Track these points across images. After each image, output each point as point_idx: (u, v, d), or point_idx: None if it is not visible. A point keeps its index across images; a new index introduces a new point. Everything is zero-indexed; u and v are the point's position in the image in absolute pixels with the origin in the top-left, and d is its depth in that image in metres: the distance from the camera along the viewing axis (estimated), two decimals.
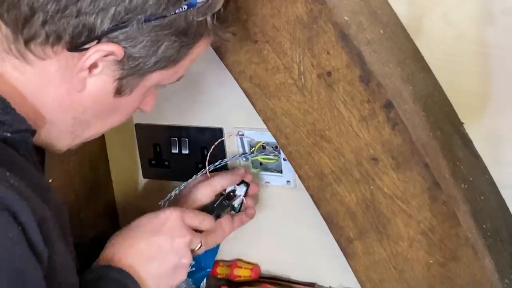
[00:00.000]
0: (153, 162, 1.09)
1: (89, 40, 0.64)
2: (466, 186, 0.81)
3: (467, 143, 0.87)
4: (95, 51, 0.65)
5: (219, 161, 1.01)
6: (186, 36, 0.68)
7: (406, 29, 0.85)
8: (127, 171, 1.13)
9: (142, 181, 1.13)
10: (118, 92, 0.70)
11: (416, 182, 0.76)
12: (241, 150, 1.02)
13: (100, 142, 1.12)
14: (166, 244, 0.81)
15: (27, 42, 0.64)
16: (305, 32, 0.75)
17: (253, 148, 1.01)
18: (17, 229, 0.56)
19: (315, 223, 0.93)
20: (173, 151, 1.07)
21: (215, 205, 0.92)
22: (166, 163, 1.09)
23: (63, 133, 0.72)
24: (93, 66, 0.66)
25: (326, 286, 1.05)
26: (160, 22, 0.65)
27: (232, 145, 1.02)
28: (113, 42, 0.65)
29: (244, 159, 1.02)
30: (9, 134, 0.64)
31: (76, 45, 0.64)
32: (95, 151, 1.11)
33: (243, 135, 1.01)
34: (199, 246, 0.85)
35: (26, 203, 0.58)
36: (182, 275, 0.83)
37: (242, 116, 0.98)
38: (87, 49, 0.64)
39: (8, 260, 0.56)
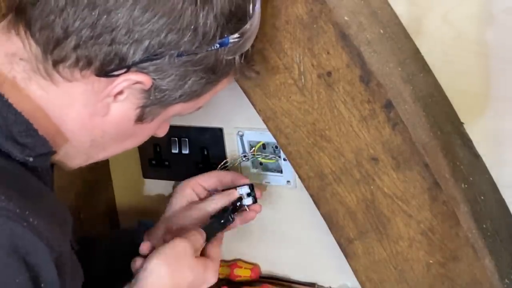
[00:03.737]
0: (153, 162, 1.09)
1: (119, 68, 0.64)
2: (466, 186, 0.81)
3: (467, 143, 0.87)
4: (124, 80, 0.65)
5: (224, 161, 1.01)
6: (214, 73, 0.69)
7: (406, 29, 0.85)
8: (127, 171, 1.13)
9: (142, 181, 1.13)
10: (140, 119, 0.70)
11: (416, 182, 0.76)
12: (241, 150, 1.02)
13: None
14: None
15: (56, 64, 0.64)
16: (305, 32, 0.75)
17: (253, 148, 1.01)
18: (25, 274, 0.56)
19: (315, 223, 0.93)
20: (173, 151, 1.07)
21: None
22: (166, 163, 1.09)
23: (79, 154, 0.72)
24: (119, 93, 0.66)
25: (326, 286, 1.05)
26: (191, 58, 0.66)
27: (232, 145, 1.02)
28: (142, 72, 0.65)
29: (244, 159, 1.02)
30: (31, 159, 0.64)
31: (106, 72, 0.64)
32: None
33: (243, 135, 1.01)
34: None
35: (43, 244, 0.57)
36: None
37: (242, 116, 0.98)
38: (116, 75, 0.64)
39: None
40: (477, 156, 0.87)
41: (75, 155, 0.72)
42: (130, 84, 0.65)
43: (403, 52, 0.83)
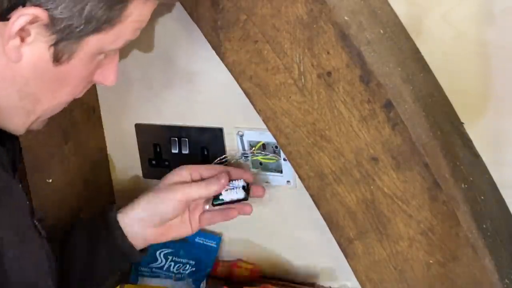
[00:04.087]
0: (153, 162, 1.09)
1: (13, 6, 0.64)
2: (466, 186, 0.81)
3: (467, 143, 0.87)
4: (19, 16, 0.65)
5: (224, 155, 1.01)
6: None
7: (406, 29, 0.85)
8: (127, 171, 1.13)
9: (142, 181, 1.13)
10: (56, 59, 0.69)
11: (416, 182, 0.76)
12: (241, 150, 1.02)
13: (100, 142, 1.12)
14: None
15: None
16: (305, 32, 0.75)
17: (253, 148, 1.01)
18: None
19: (315, 223, 0.93)
20: (173, 151, 1.07)
21: None
22: (166, 163, 1.09)
23: (13, 109, 0.72)
24: (25, 33, 0.66)
25: (326, 286, 1.05)
26: None
27: (232, 145, 1.02)
28: (34, 5, 0.65)
29: (244, 159, 1.02)
30: None
31: (1, 13, 0.64)
32: (95, 151, 1.11)
33: (243, 135, 1.01)
34: None
35: None
36: None
37: (242, 116, 0.98)
38: (9, 14, 0.65)
39: None
40: (477, 156, 0.87)
41: (10, 113, 0.72)
42: (29, 22, 0.65)
43: (403, 52, 0.83)
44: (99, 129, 1.11)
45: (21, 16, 0.65)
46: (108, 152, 1.14)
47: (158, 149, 1.08)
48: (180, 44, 0.99)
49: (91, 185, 1.10)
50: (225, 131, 1.02)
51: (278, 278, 1.08)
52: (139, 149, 1.10)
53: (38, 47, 0.68)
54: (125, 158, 1.12)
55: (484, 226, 0.81)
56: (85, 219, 0.97)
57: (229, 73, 0.82)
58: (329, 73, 0.76)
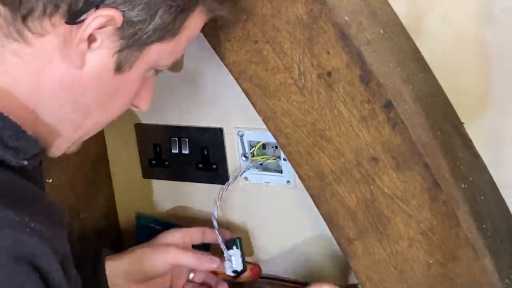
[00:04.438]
0: (153, 162, 1.09)
1: (87, 7, 0.61)
2: (466, 186, 0.81)
3: (467, 143, 0.87)
4: (94, 18, 0.62)
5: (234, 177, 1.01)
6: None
7: (406, 29, 0.85)
8: (127, 171, 1.13)
9: (142, 181, 1.13)
10: (118, 67, 0.67)
11: (416, 182, 0.76)
12: (241, 150, 1.02)
13: (100, 142, 1.12)
14: None
15: (25, 19, 0.61)
16: (305, 32, 0.75)
17: (253, 148, 1.01)
18: (35, 277, 0.55)
19: (315, 223, 0.93)
20: (173, 151, 1.07)
21: None
22: (166, 163, 1.09)
23: (62, 123, 0.69)
24: (92, 39, 0.64)
25: None
26: None
27: (232, 145, 1.02)
28: (110, 7, 0.62)
29: (244, 158, 1.02)
30: (26, 162, 0.62)
31: (75, 14, 0.61)
32: (95, 151, 1.11)
33: (243, 135, 1.01)
34: None
35: (47, 247, 0.56)
36: None
37: (242, 116, 0.98)
38: (85, 19, 0.62)
39: None
40: (477, 156, 0.87)
41: (58, 129, 0.69)
42: (102, 24, 0.62)
43: (403, 52, 0.83)
44: None
45: (97, 18, 0.62)
46: (108, 152, 1.14)
47: (158, 149, 1.08)
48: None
49: (91, 185, 1.10)
50: (225, 131, 1.02)
51: (278, 278, 1.08)
52: (139, 149, 1.10)
53: (103, 53, 0.65)
54: (125, 158, 1.13)
55: (484, 226, 0.81)
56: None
57: (229, 73, 0.82)
58: (329, 73, 0.76)
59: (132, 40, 0.65)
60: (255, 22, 0.77)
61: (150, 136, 1.08)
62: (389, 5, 0.84)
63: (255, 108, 0.82)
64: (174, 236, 0.96)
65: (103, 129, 1.11)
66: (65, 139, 0.71)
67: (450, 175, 0.78)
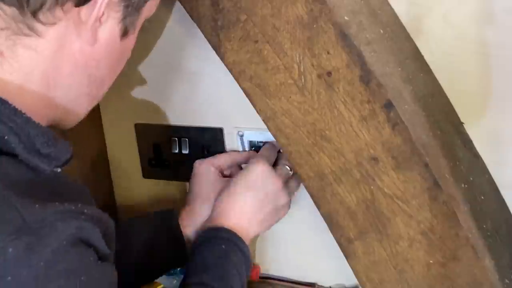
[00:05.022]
0: (153, 162, 1.09)
1: None
2: (466, 186, 0.81)
3: (467, 143, 0.87)
4: None
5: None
6: None
7: (406, 29, 0.85)
8: (127, 171, 1.13)
9: (142, 181, 1.13)
10: (124, 33, 0.70)
11: (416, 182, 0.76)
12: (241, 150, 1.02)
13: (100, 142, 1.12)
14: (261, 195, 0.89)
15: (35, 13, 0.62)
16: (305, 32, 0.75)
17: (253, 148, 1.01)
18: (93, 253, 0.60)
19: (315, 223, 0.93)
20: (173, 151, 1.07)
21: None
22: (166, 163, 1.09)
23: (80, 96, 0.71)
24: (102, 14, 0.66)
25: (326, 286, 1.05)
26: None
27: (232, 145, 1.02)
28: None
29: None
30: (59, 169, 0.64)
31: None
32: (95, 151, 1.11)
33: (243, 135, 1.01)
34: (290, 174, 0.93)
35: (97, 228, 0.61)
36: (283, 213, 0.93)
37: (242, 116, 0.98)
38: None
39: (100, 278, 0.61)
40: (477, 156, 0.87)
41: (76, 100, 0.71)
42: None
43: (403, 52, 0.83)
44: (99, 129, 1.12)
45: None
46: (108, 152, 1.14)
47: (158, 149, 1.08)
48: (180, 44, 0.99)
49: (91, 185, 1.10)
50: (225, 131, 1.02)
51: (278, 279, 1.08)
52: (139, 149, 1.10)
53: (110, 25, 0.67)
54: (125, 158, 1.12)
55: (484, 226, 0.81)
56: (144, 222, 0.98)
57: (229, 73, 0.82)
58: (329, 73, 0.76)
59: (135, 4, 0.68)
60: (255, 22, 0.77)
61: (150, 136, 1.08)
62: (389, 5, 0.84)
63: (255, 108, 0.82)
64: (210, 172, 0.97)
65: (103, 129, 1.12)
66: (83, 111, 0.74)
67: (450, 175, 0.78)
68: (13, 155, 0.61)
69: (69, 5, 0.63)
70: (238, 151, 1.01)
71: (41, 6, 0.62)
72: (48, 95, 0.67)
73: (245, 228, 0.88)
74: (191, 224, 0.94)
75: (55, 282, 0.55)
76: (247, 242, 0.87)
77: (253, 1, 0.76)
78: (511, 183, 0.88)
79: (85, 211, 0.61)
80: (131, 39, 0.72)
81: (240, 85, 0.82)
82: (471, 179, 0.83)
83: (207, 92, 1.00)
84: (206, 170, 0.97)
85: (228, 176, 0.99)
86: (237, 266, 0.84)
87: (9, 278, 0.53)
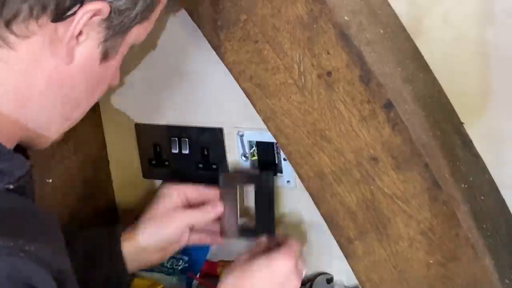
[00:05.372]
0: (153, 162, 1.09)
1: (74, 3, 0.59)
2: (466, 186, 0.81)
3: (467, 143, 0.87)
4: (83, 14, 0.60)
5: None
6: None
7: (406, 29, 0.85)
8: (127, 171, 1.13)
9: (142, 181, 1.13)
10: (104, 56, 0.66)
11: (416, 182, 0.76)
12: (241, 150, 1.02)
13: (100, 142, 1.12)
14: (275, 286, 0.83)
15: (8, 24, 0.59)
16: (305, 32, 0.75)
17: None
18: None
19: (315, 223, 0.93)
20: (173, 151, 1.07)
21: None
22: (166, 163, 1.09)
23: (52, 117, 0.67)
24: (79, 33, 0.62)
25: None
26: None
27: (232, 145, 1.02)
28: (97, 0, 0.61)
29: (244, 158, 1.02)
30: (11, 186, 0.60)
31: (63, 11, 0.59)
32: (95, 151, 1.11)
33: (243, 135, 1.01)
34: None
35: (43, 268, 0.56)
36: None
37: (242, 116, 0.98)
38: (73, 14, 0.60)
39: None
40: (477, 156, 0.87)
41: (48, 121, 0.67)
42: (90, 17, 0.61)
43: (403, 52, 0.83)
44: (99, 129, 1.12)
45: (86, 13, 0.60)
46: (108, 152, 1.14)
47: (158, 149, 1.08)
48: (180, 44, 0.99)
49: (91, 185, 1.10)
50: (225, 131, 1.02)
51: None
52: (139, 149, 1.10)
53: (89, 45, 0.64)
54: (125, 158, 1.12)
55: (484, 226, 0.81)
56: (86, 234, 0.95)
57: (229, 73, 0.82)
58: (329, 73, 0.76)
59: (118, 28, 0.65)
60: (255, 22, 0.77)
61: (150, 136, 1.08)
62: (389, 5, 0.84)
63: (255, 108, 0.82)
64: (172, 197, 0.95)
65: (103, 129, 1.12)
66: (54, 132, 0.70)
67: (450, 175, 0.78)
68: None
69: (44, 20, 0.60)
70: (207, 186, 0.98)
71: (15, 16, 0.59)
72: (18, 114, 0.64)
73: None
74: (132, 243, 0.91)
75: None
76: None
77: (253, 1, 0.76)
78: (511, 183, 0.88)
79: (27, 248, 0.55)
80: (113, 63, 0.68)
81: (240, 85, 0.82)
82: (471, 179, 0.83)
83: (207, 92, 1.00)
84: (169, 194, 0.95)
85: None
86: None
87: None
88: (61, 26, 0.61)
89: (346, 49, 0.74)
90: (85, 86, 0.68)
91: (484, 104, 0.85)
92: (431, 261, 0.79)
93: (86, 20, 0.61)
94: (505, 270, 0.82)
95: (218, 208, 0.95)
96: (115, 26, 0.64)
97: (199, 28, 0.82)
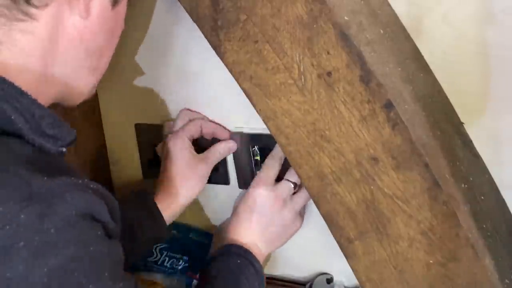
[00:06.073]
0: (153, 162, 1.09)
1: None
2: (466, 186, 0.81)
3: (467, 143, 0.87)
4: None
5: None
6: None
7: (406, 29, 0.85)
8: (127, 171, 1.13)
9: (142, 181, 1.13)
10: (114, 3, 0.71)
11: (416, 182, 0.76)
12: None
13: (100, 142, 1.12)
14: (264, 216, 0.93)
15: None
16: (305, 32, 0.75)
17: (254, 148, 1.01)
18: (100, 228, 0.61)
19: (315, 223, 0.93)
20: None
21: None
22: None
23: (79, 70, 0.72)
24: None
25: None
26: None
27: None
28: None
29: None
30: (64, 149, 0.66)
31: None
32: (95, 151, 1.11)
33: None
34: (292, 189, 0.95)
35: (103, 202, 0.62)
36: (294, 229, 0.96)
37: (242, 116, 0.98)
38: None
39: (109, 253, 0.61)
40: (477, 156, 0.87)
41: (77, 78, 0.73)
42: None
43: (403, 52, 0.83)
44: (99, 129, 1.12)
45: None
46: (108, 153, 1.14)
47: None
48: (180, 44, 0.99)
49: None
50: None
51: (278, 278, 1.08)
52: (139, 149, 1.10)
53: None
54: (125, 158, 1.12)
55: (484, 226, 0.81)
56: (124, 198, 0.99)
57: (229, 73, 0.82)
58: (329, 73, 0.76)
59: None
60: (255, 22, 0.77)
61: (150, 136, 1.08)
62: (389, 5, 0.84)
63: (255, 108, 0.82)
64: (187, 150, 0.97)
65: (103, 129, 1.12)
66: (85, 84, 0.75)
67: (450, 175, 0.78)
68: (19, 136, 0.62)
69: None
70: (204, 118, 1.01)
71: None
72: (47, 73, 0.68)
73: (255, 247, 0.91)
74: (171, 206, 0.95)
75: (65, 249, 0.56)
76: (259, 257, 0.91)
77: (253, 1, 0.76)
78: (511, 183, 0.88)
79: (92, 186, 0.62)
80: (122, 6, 0.74)
81: (240, 85, 0.82)
82: (471, 179, 0.83)
83: (207, 92, 1.00)
84: (181, 149, 0.97)
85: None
86: (250, 280, 0.87)
87: (22, 243, 0.54)
88: None
89: (346, 49, 0.74)
90: (103, 35, 0.72)
91: (484, 104, 0.85)
92: (431, 261, 0.79)
93: None
94: (505, 270, 0.82)
95: (231, 144, 0.99)
96: None
97: (199, 28, 0.82)
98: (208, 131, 1.00)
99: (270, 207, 0.93)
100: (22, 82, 0.64)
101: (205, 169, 0.98)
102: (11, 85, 0.63)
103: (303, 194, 0.96)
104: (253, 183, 0.95)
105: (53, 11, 0.66)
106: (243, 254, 0.89)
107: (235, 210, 0.96)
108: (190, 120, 1.00)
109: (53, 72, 0.69)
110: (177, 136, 0.98)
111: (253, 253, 0.90)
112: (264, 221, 0.93)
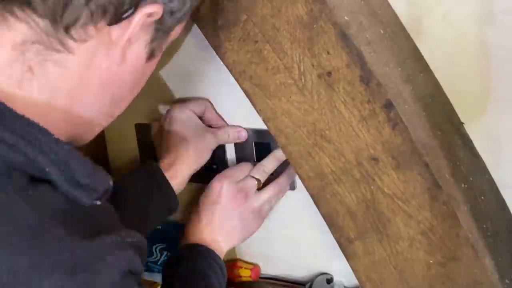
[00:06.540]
0: None
1: (131, 5, 0.60)
2: (466, 186, 0.81)
3: (467, 143, 0.87)
4: (140, 17, 0.62)
5: None
6: None
7: (406, 29, 0.85)
8: (127, 171, 1.13)
9: None
10: (151, 56, 0.68)
11: (416, 182, 0.76)
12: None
13: (100, 142, 1.12)
14: (225, 210, 0.92)
15: (68, 29, 0.60)
16: (305, 32, 0.75)
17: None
18: (136, 279, 0.61)
19: (315, 223, 0.93)
20: None
21: None
22: None
23: (100, 115, 0.69)
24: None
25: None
26: None
27: (232, 145, 1.02)
28: (152, 2, 0.62)
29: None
30: (99, 202, 0.62)
31: (120, 15, 0.61)
32: (95, 151, 1.11)
33: None
34: (256, 185, 0.95)
35: (138, 254, 0.61)
36: (255, 225, 0.96)
37: (242, 116, 0.98)
38: (129, 16, 0.61)
39: None
40: (477, 156, 0.87)
41: (96, 120, 0.69)
42: (145, 19, 0.63)
43: (403, 52, 0.83)
44: None
45: (143, 16, 0.62)
46: (108, 152, 1.14)
47: None
48: (180, 44, 0.99)
49: None
50: None
51: (278, 278, 1.08)
52: (139, 149, 1.10)
53: (138, 46, 0.66)
54: (125, 158, 1.12)
55: (484, 226, 0.81)
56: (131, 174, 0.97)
57: (229, 73, 0.82)
58: (329, 73, 0.76)
59: (166, 28, 0.67)
60: (255, 22, 0.77)
61: (150, 136, 1.08)
62: (389, 5, 0.84)
63: (255, 108, 0.82)
64: (192, 119, 0.97)
65: (103, 129, 1.12)
66: (98, 129, 0.72)
67: (450, 175, 0.78)
68: (52, 185, 0.59)
69: (102, 24, 0.61)
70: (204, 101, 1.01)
71: (75, 21, 0.60)
72: (71, 112, 0.65)
73: (216, 244, 0.91)
74: (178, 174, 0.94)
75: None
76: (220, 254, 0.90)
77: (253, 1, 0.76)
78: (511, 183, 0.88)
79: (128, 240, 0.61)
80: (155, 61, 0.71)
81: (240, 85, 0.82)
82: (471, 179, 0.83)
83: (207, 92, 1.00)
84: (189, 116, 0.97)
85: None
86: (221, 282, 0.87)
87: None
88: (116, 28, 0.62)
89: (346, 49, 0.74)
90: (130, 85, 0.70)
91: (484, 104, 0.85)
92: (431, 261, 0.79)
93: (143, 23, 0.63)
94: (505, 270, 0.82)
95: (242, 133, 0.98)
96: (165, 26, 0.66)
97: (199, 28, 0.82)
98: (211, 116, 0.99)
99: (232, 199, 0.92)
100: (46, 118, 0.61)
101: (213, 141, 0.96)
102: (46, 133, 0.59)
103: (265, 192, 0.95)
104: (217, 176, 0.95)
105: (90, 49, 0.62)
106: (206, 254, 0.89)
107: (197, 205, 0.95)
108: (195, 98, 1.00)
109: (79, 112, 0.66)
110: (182, 106, 0.97)
111: (215, 251, 0.90)
112: (225, 214, 0.92)
